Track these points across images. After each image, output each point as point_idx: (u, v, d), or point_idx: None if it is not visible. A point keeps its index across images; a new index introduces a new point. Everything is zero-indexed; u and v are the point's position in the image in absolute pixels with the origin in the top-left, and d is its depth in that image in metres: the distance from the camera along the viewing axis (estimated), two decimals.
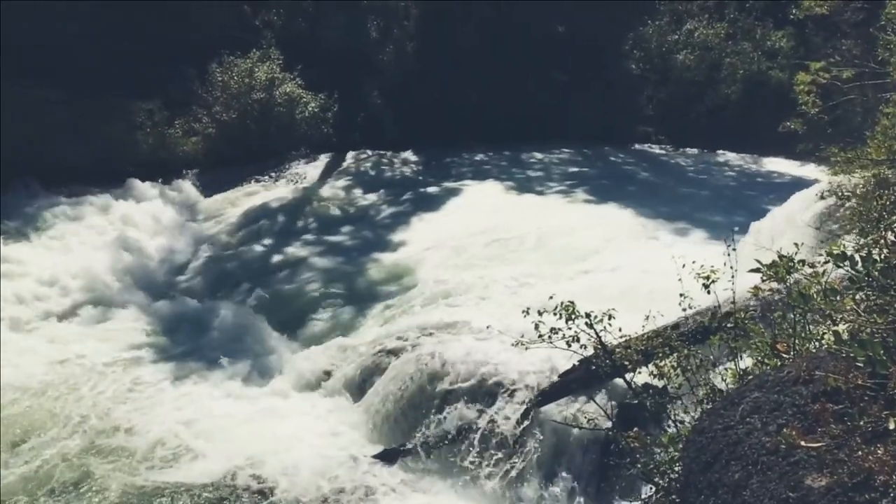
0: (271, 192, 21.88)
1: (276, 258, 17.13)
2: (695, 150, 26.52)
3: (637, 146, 26.98)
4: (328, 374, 11.82)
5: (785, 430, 2.87)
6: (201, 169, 22.90)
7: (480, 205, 19.01)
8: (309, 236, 18.33)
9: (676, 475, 4.21)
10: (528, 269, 13.80)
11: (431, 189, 20.87)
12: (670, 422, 5.26)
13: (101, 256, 16.40)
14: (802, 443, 2.78)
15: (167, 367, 12.42)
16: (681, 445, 4.07)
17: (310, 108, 24.30)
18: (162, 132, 23.06)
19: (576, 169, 23.54)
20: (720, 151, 26.23)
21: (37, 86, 21.21)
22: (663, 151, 26.68)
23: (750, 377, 3.83)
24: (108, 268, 15.96)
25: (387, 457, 9.96)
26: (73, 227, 17.78)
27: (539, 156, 24.88)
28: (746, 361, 4.60)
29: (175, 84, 23.78)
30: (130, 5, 23.27)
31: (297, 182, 22.67)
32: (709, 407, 3.97)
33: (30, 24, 22.07)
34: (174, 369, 12.36)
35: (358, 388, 11.26)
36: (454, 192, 20.38)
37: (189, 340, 13.30)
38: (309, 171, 23.51)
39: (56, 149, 20.87)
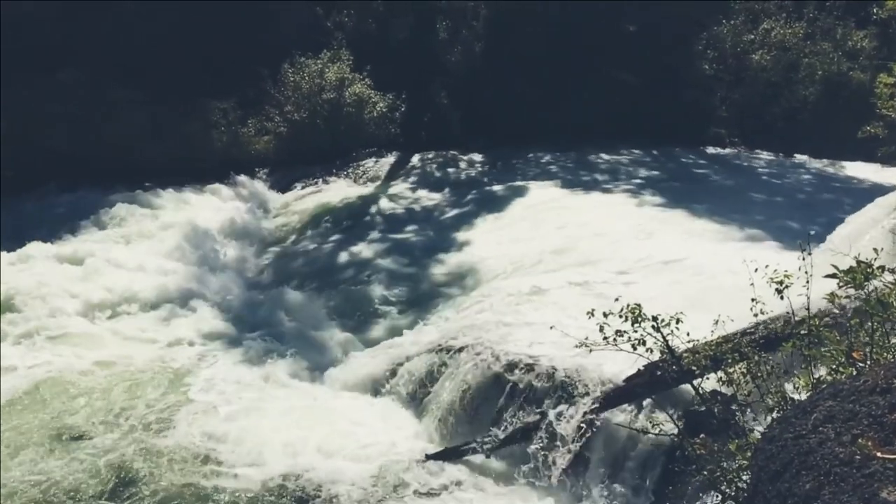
0: (339, 190, 22.24)
1: (342, 256, 17.39)
2: (770, 154, 25.74)
3: (709, 149, 26.36)
4: (390, 372, 11.92)
5: (860, 440, 2.78)
6: (272, 167, 23.50)
7: (546, 206, 18.87)
8: (374, 235, 18.55)
9: (744, 484, 4.12)
10: (594, 272, 13.64)
11: (497, 189, 20.84)
12: (738, 430, 5.14)
13: (172, 252, 16.94)
14: (878, 454, 2.69)
15: (230, 362, 12.63)
16: (749, 454, 3.98)
17: (378, 108, 24.61)
18: (235, 131, 23.75)
19: (644, 171, 23.15)
20: (796, 155, 25.40)
21: (121, 87, 22.14)
22: (736, 154, 25.99)
23: (824, 386, 3.71)
24: (179, 263, 16.46)
25: (447, 456, 9.98)
26: (147, 223, 18.40)
27: (606, 157, 24.56)
28: (820, 370, 4.46)
29: (249, 84, 24.43)
30: (208, 9, 24.00)
31: (363, 181, 22.99)
32: (779, 415, 3.87)
33: (114, 29, 23.01)
34: (237, 364, 12.57)
35: (419, 387, 11.33)
36: (519, 193, 20.29)
37: (254, 335, 13.55)
38: (376, 170, 23.80)
39: (138, 147, 21.74)
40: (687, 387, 6.79)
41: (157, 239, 17.67)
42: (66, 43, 22.50)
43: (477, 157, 24.96)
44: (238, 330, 13.85)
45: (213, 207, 20.03)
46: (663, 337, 5.27)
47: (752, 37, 29.29)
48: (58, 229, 17.74)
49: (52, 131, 21.22)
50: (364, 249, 17.54)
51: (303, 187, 22.39)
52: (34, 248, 16.32)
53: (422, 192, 21.46)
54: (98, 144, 21.34)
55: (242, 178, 22.31)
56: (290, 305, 14.66)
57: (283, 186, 22.58)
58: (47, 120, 21.33)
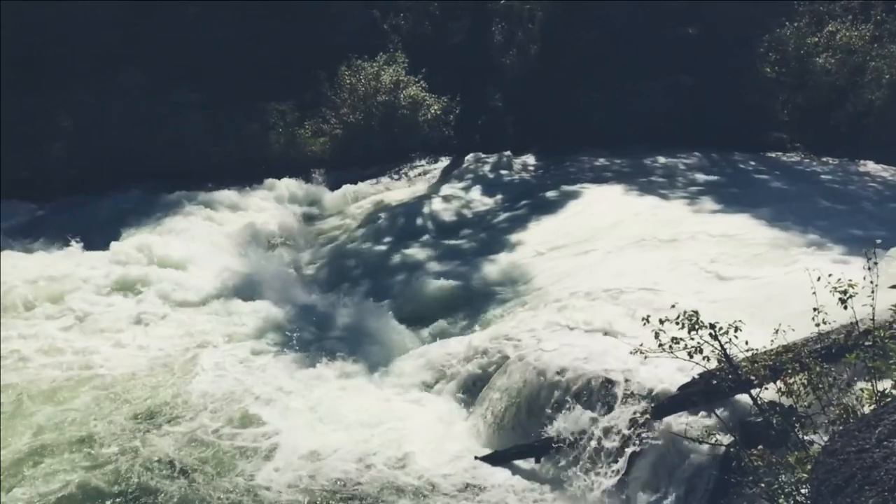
0: (392, 192, 22.42)
1: (395, 257, 17.51)
2: (834, 160, 24.94)
3: (770, 154, 25.71)
4: (441, 374, 11.94)
5: None
6: (327, 168, 23.79)
7: (600, 211, 18.68)
8: (427, 237, 18.63)
9: (803, 498, 4.03)
10: (650, 278, 13.44)
11: (550, 193, 20.71)
12: (797, 442, 5.02)
13: (229, 251, 17.27)
14: None
15: (282, 361, 12.70)
16: (809, 467, 3.89)
17: (432, 111, 24.72)
18: (293, 132, 24.15)
19: (702, 176, 22.70)
20: (862, 161, 24.57)
21: (182, 90, 22.71)
22: (798, 160, 25.29)
23: (888, 399, 3.60)
24: (236, 262, 16.76)
25: (496, 460, 9.95)
26: (205, 222, 18.79)
27: (663, 160, 24.18)
28: (884, 383, 4.33)
29: (306, 86, 24.81)
30: (267, 12, 24.46)
31: (417, 183, 23.13)
32: (842, 428, 3.77)
33: (174, 32, 23.62)
34: (288, 363, 12.64)
35: (470, 389, 11.34)
36: (573, 197, 20.14)
37: (306, 334, 13.65)
38: (429, 172, 23.92)
39: (197, 148, 22.26)
40: (744, 397, 6.65)
41: (215, 238, 18.03)
42: (127, 46, 23.18)
43: (530, 160, 24.87)
44: (291, 329, 13.96)
45: (269, 208, 20.39)
46: (721, 345, 5.18)
47: (817, 39, 28.48)
48: (118, 227, 18.22)
49: (114, 132, 21.89)
50: (417, 251, 17.63)
51: (357, 188, 22.59)
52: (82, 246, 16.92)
53: (475, 195, 21.47)
54: (158, 145, 21.94)
55: (299, 178, 22.64)
56: (343, 305, 14.82)
57: (338, 187, 22.83)
58: (109, 121, 22.04)
